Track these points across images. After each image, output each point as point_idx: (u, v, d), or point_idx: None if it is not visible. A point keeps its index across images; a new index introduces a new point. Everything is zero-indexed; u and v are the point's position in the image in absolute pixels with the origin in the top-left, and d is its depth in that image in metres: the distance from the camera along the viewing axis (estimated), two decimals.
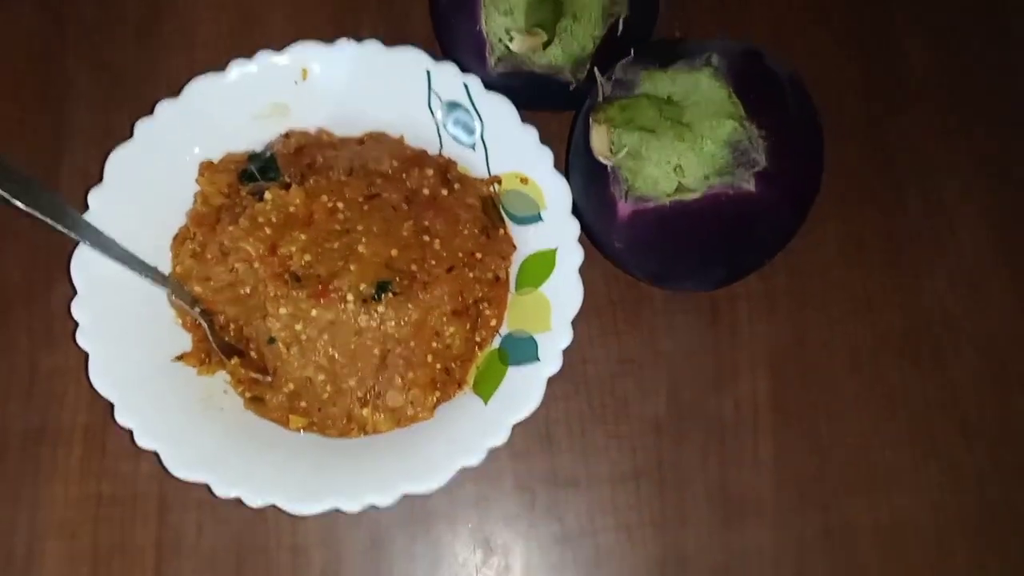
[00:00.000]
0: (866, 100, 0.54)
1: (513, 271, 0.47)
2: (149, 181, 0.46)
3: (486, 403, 0.44)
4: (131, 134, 0.45)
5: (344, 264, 0.44)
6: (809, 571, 0.47)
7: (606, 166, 0.41)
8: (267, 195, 0.45)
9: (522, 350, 0.44)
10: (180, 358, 0.45)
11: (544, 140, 0.46)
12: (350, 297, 0.43)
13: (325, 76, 0.48)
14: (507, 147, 0.47)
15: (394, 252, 0.44)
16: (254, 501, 0.40)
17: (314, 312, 0.43)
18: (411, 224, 0.45)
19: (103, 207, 0.44)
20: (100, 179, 0.45)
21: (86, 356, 0.42)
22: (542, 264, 0.46)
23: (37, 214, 0.42)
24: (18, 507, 0.46)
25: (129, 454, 0.47)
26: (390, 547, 0.46)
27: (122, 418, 0.41)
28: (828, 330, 0.51)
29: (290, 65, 0.47)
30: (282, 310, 0.43)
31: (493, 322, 0.46)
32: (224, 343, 0.45)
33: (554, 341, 0.43)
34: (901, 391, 0.50)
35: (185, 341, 0.46)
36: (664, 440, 0.49)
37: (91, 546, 0.46)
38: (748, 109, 0.38)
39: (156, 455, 0.41)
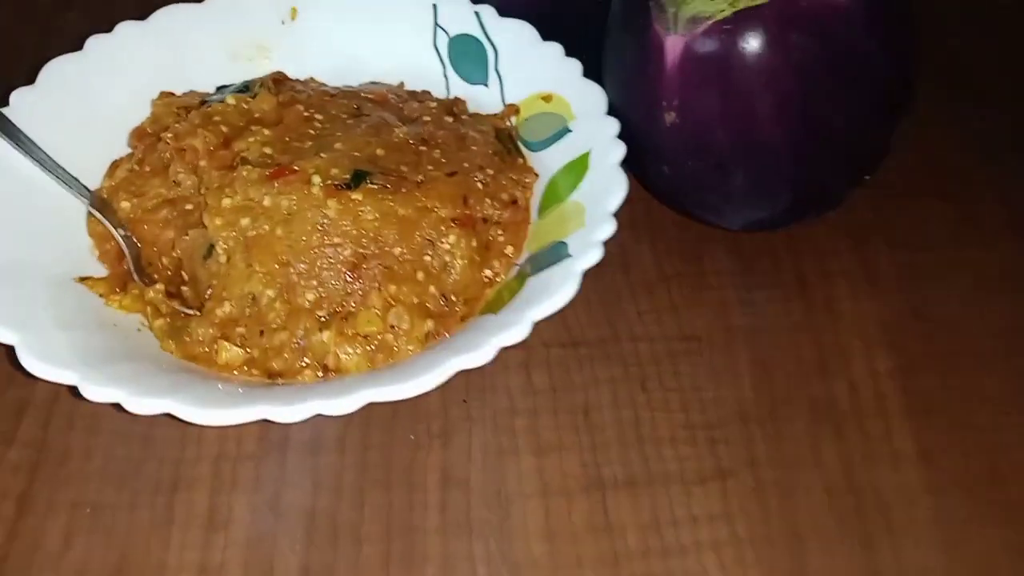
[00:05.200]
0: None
1: (535, 202, 0.36)
2: (94, 101, 0.38)
3: (496, 312, 0.31)
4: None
5: (315, 154, 0.34)
6: None
7: (648, 17, 0.32)
8: (228, 97, 0.36)
9: (546, 258, 0.32)
10: (85, 280, 0.33)
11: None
12: (316, 180, 0.32)
13: (316, 17, 0.42)
14: (526, 71, 0.39)
15: (380, 151, 0.35)
16: (139, 407, 0.26)
17: (267, 200, 0.32)
18: (406, 130, 0.36)
19: (29, 109, 0.36)
20: None
21: None
22: (571, 174, 0.35)
23: None
24: None
25: None
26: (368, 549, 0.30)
27: None
28: (955, 308, 0.38)
29: (278, 3, 0.41)
30: (226, 200, 0.32)
31: (509, 249, 0.35)
32: (147, 274, 0.34)
33: (590, 234, 0.31)
34: None
35: (97, 271, 0.34)
36: (756, 431, 0.34)
37: None
38: None
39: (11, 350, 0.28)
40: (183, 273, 0.34)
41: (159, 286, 0.33)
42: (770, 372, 0.36)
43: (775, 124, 0.32)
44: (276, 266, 0.32)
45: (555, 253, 0.32)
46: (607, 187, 0.33)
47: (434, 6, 0.41)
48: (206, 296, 0.32)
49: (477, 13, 0.40)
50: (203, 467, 0.32)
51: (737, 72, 0.31)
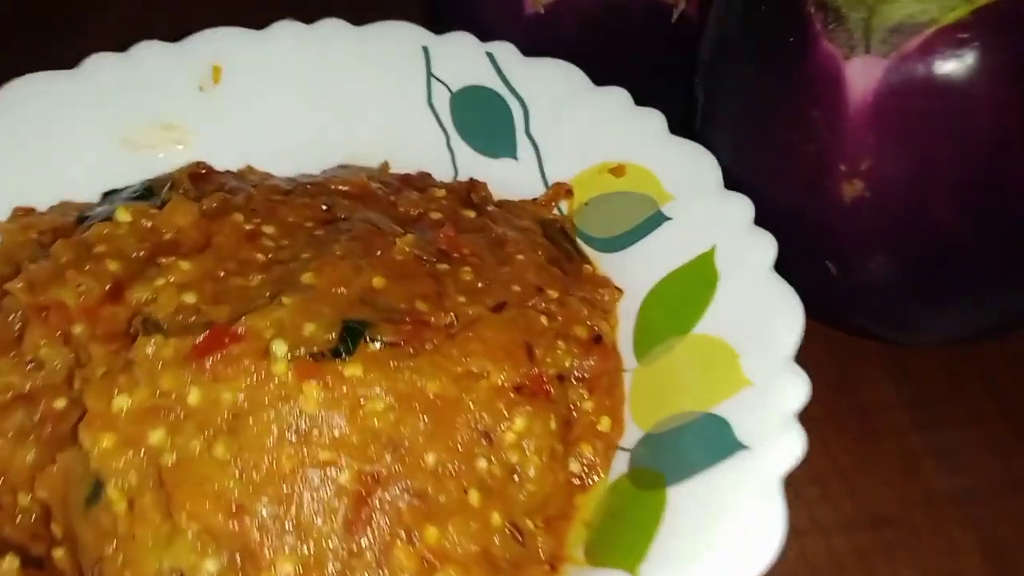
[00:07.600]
0: None
1: (624, 335, 0.23)
2: None
3: (633, 571, 0.17)
4: None
5: (271, 302, 0.20)
6: None
7: (808, 31, 0.20)
8: (118, 211, 0.22)
9: (689, 446, 0.19)
10: None
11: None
12: (278, 348, 0.18)
13: (249, 77, 0.28)
14: (576, 132, 0.26)
15: (377, 282, 0.21)
16: None
17: (194, 395, 0.18)
18: (412, 239, 0.22)
19: None
20: None
21: None
22: (682, 289, 0.22)
23: None
24: None
25: None
26: None
27: None
28: None
29: (191, 61, 0.28)
30: (119, 400, 0.18)
31: (604, 423, 0.21)
32: None
33: (769, 400, 0.18)
34: None
35: None
36: None
37: None
38: None
39: None
40: (53, 527, 0.19)
41: (10, 560, 0.18)
42: (1012, 563, 0.23)
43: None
44: (220, 516, 0.17)
45: (705, 437, 0.18)
46: (765, 309, 0.20)
47: (424, 49, 0.28)
48: (93, 574, 0.18)
49: (490, 54, 0.27)
50: None
51: (980, 108, 0.18)
